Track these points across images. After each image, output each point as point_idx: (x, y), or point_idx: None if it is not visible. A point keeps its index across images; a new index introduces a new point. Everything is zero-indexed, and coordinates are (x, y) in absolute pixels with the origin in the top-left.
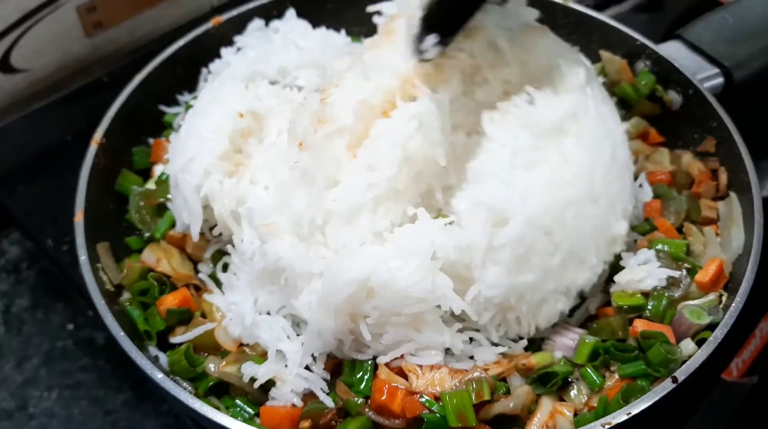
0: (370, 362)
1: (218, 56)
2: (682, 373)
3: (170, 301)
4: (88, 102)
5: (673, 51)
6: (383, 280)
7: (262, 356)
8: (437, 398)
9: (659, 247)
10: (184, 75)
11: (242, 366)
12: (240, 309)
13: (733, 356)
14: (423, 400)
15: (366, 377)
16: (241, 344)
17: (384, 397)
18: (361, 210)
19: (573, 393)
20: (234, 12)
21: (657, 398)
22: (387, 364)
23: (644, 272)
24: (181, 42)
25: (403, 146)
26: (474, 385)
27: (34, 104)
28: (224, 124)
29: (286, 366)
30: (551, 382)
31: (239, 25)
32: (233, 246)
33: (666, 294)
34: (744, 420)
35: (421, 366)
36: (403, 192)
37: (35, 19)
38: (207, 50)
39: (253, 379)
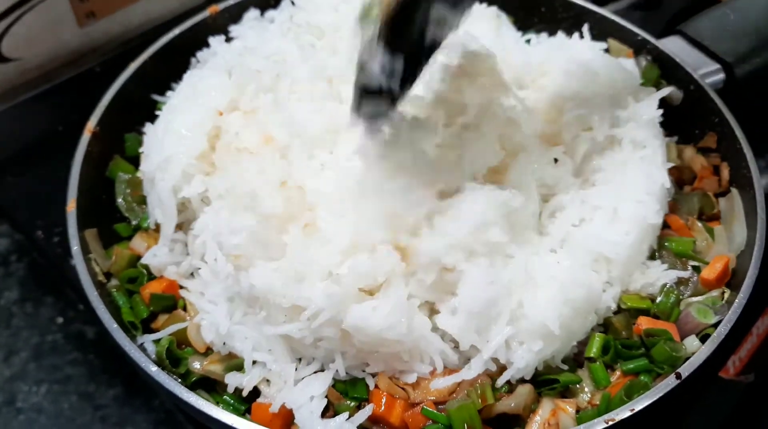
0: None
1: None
2: (685, 369)
3: (155, 286)
4: (80, 92)
5: (674, 46)
6: (356, 324)
7: None
8: (437, 403)
9: (667, 244)
10: (179, 64)
11: (226, 377)
12: (214, 318)
13: (730, 354)
14: (426, 411)
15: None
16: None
17: (381, 409)
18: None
19: (575, 390)
20: (231, 1)
21: (660, 394)
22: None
23: (657, 275)
24: (176, 31)
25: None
26: (478, 391)
27: (25, 94)
28: (203, 121)
29: (270, 370)
30: (552, 386)
31: (236, 14)
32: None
33: (675, 291)
34: (740, 418)
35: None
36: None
37: (27, 7)
38: (203, 40)
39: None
